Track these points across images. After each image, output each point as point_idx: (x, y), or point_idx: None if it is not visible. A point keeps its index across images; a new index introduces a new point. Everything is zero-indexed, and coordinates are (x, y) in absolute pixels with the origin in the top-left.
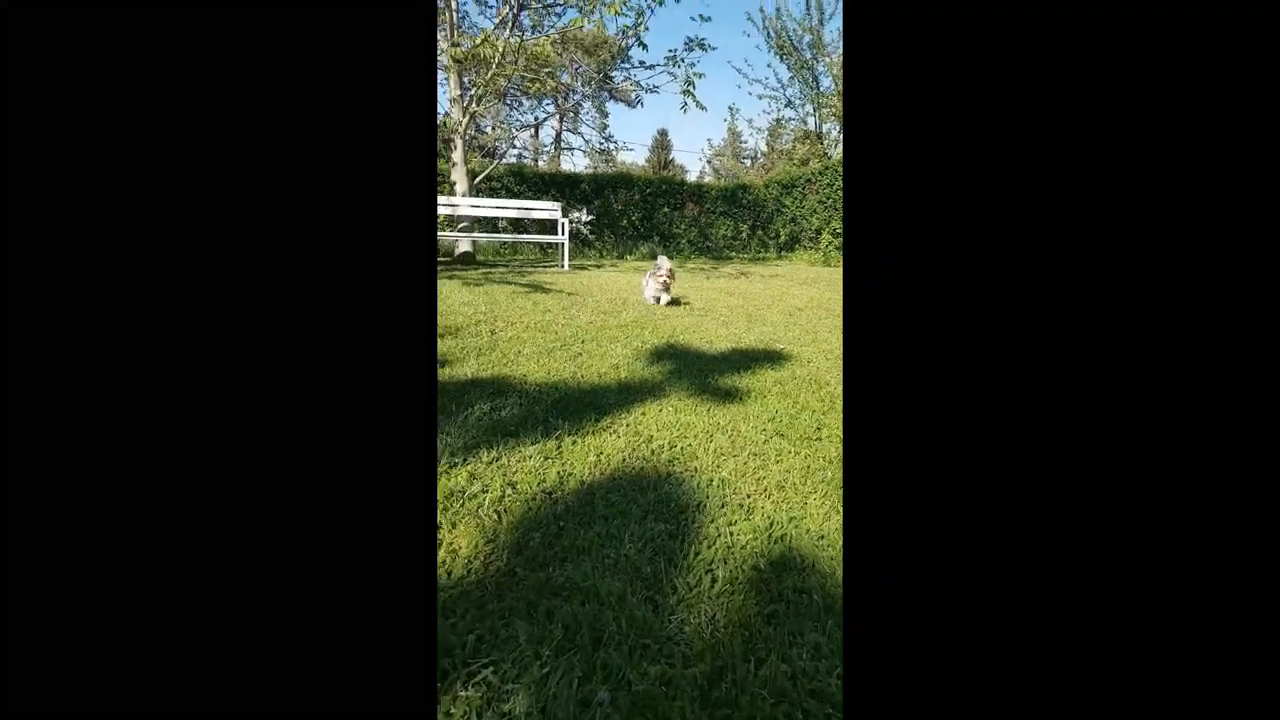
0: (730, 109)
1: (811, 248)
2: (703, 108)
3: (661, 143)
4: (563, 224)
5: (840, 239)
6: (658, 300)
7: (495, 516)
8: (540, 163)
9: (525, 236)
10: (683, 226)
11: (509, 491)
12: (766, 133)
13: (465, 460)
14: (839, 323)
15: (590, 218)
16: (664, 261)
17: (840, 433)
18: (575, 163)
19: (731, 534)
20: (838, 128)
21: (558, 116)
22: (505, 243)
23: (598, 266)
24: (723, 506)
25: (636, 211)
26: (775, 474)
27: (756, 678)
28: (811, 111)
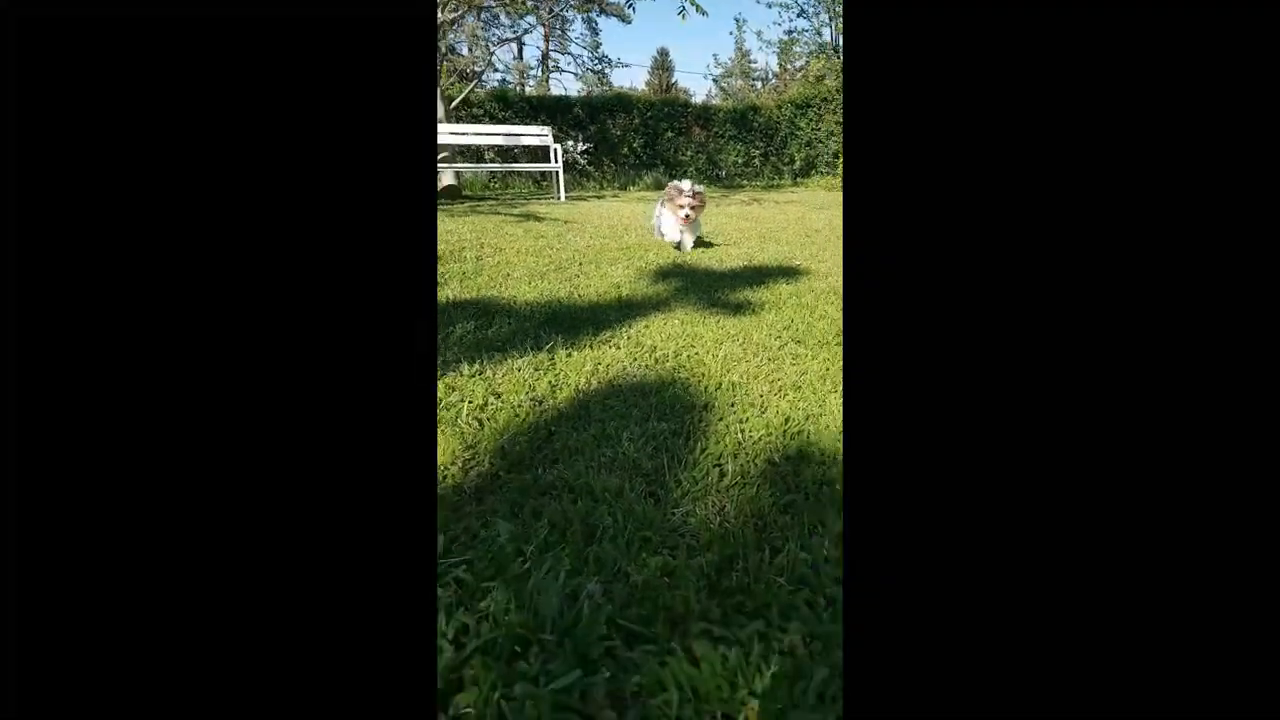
0: (737, 20)
1: (829, 173)
2: (703, 12)
3: (662, 63)
4: (555, 150)
5: None
6: (678, 244)
7: (476, 424)
8: (528, 88)
9: (515, 166)
10: (689, 153)
11: (493, 400)
12: (777, 48)
13: (442, 374)
14: None
15: (587, 146)
16: (685, 182)
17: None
18: (566, 86)
19: (743, 431)
20: None
21: (543, 34)
22: (494, 174)
23: (598, 198)
24: (733, 405)
25: (638, 138)
26: (791, 375)
27: (772, 565)
28: (827, 21)
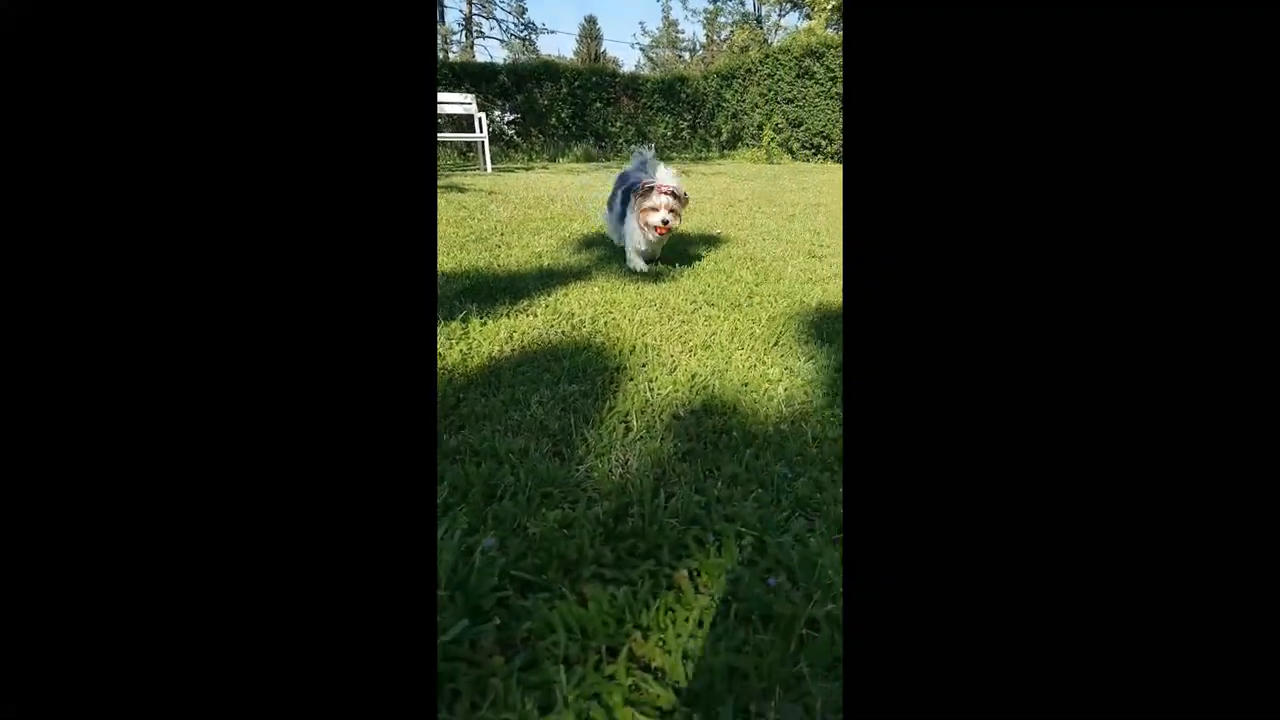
0: None
1: (754, 145)
2: None
3: (590, 31)
4: (480, 120)
5: (782, 135)
6: (648, 256)
7: None
8: (451, 54)
9: (438, 135)
10: (619, 124)
11: None
12: (703, 17)
13: None
14: (778, 210)
15: (514, 116)
16: (662, 172)
17: (771, 300)
18: (491, 53)
19: (651, 389)
20: (778, 11)
21: None
22: None
23: (526, 169)
24: (644, 366)
25: (566, 108)
26: (701, 335)
27: (666, 509)
28: None
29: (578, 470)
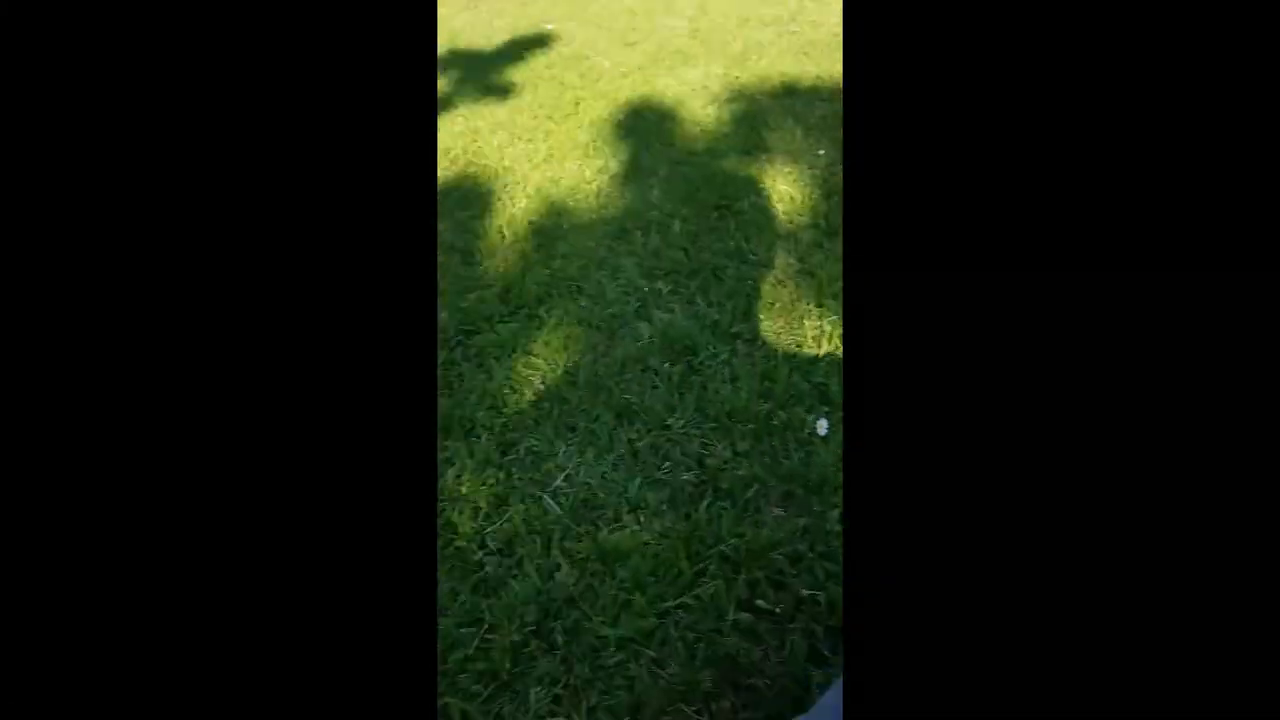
0: None
1: None
2: None
3: None
4: None
5: None
6: None
7: None
8: None
9: None
10: None
11: None
12: None
13: None
14: None
15: None
16: None
17: (594, 105)
18: None
19: (513, 205)
20: None
21: None
22: None
23: None
24: (506, 187)
25: None
26: (543, 151)
27: (538, 271)
28: None
29: (480, 269)
